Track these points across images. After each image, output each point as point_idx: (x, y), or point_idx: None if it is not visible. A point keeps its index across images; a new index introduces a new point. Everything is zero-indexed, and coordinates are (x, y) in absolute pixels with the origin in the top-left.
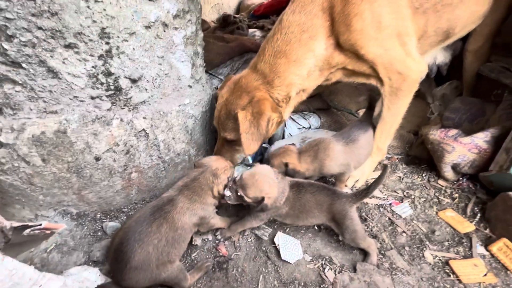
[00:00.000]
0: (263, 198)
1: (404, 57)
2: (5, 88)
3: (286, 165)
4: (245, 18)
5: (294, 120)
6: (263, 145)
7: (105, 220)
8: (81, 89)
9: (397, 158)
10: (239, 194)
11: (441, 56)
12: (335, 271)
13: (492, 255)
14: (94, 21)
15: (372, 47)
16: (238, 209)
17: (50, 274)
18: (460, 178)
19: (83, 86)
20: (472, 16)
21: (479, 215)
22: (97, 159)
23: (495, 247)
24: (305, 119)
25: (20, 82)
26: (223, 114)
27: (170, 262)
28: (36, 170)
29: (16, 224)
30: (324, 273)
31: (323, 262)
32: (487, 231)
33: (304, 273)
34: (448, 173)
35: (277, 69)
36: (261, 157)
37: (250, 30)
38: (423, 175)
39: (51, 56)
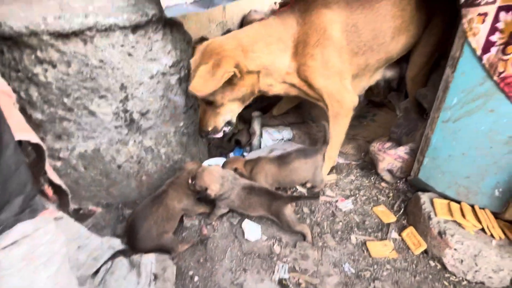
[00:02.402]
0: (206, 189)
1: (342, 89)
2: (63, 124)
3: (235, 169)
4: None
5: (269, 133)
6: (244, 154)
7: (124, 209)
8: (108, 122)
9: (353, 164)
10: (193, 182)
11: (388, 73)
12: (281, 246)
13: (402, 239)
14: (117, 80)
15: (319, 80)
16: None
17: (93, 234)
18: (398, 181)
19: (110, 120)
20: (405, 46)
21: (402, 210)
22: (119, 167)
23: (404, 233)
24: (279, 132)
25: (72, 120)
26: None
27: (165, 233)
28: (80, 175)
29: (75, 206)
30: (273, 248)
31: (274, 241)
32: (405, 222)
33: (260, 248)
34: (386, 176)
35: (256, 47)
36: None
37: None
38: (371, 178)
39: (91, 103)
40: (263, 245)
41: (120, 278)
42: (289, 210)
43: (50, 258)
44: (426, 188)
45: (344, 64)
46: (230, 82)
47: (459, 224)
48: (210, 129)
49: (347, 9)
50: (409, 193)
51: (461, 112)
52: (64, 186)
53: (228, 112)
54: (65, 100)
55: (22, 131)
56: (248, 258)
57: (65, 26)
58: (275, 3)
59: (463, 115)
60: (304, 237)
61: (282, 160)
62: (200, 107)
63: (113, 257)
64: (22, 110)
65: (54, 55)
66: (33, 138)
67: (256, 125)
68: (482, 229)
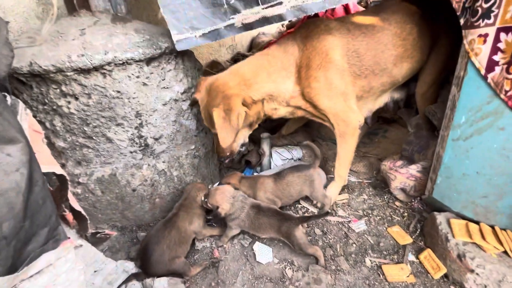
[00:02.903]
0: (217, 207)
1: (347, 109)
2: (83, 151)
3: (229, 183)
4: None
5: (279, 153)
6: (254, 174)
7: (138, 231)
8: (124, 148)
9: (365, 183)
10: (205, 200)
11: (397, 94)
12: (293, 270)
13: (420, 262)
14: (132, 109)
15: (324, 101)
16: (221, 225)
17: (109, 259)
18: (413, 200)
19: (126, 146)
20: (409, 71)
21: (419, 230)
22: (134, 190)
23: (422, 256)
24: (289, 151)
25: (91, 147)
26: (207, 116)
27: (178, 257)
28: (97, 199)
29: (92, 230)
30: (285, 271)
31: (286, 264)
32: (422, 243)
33: (271, 271)
34: (400, 195)
35: (258, 78)
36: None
37: None
38: (385, 197)
39: (108, 131)
40: (274, 268)
41: None
42: (300, 232)
43: (69, 286)
44: (442, 208)
45: (347, 85)
46: None
47: (479, 247)
48: (228, 155)
49: (349, 35)
50: (424, 212)
51: (471, 131)
52: (83, 212)
53: (241, 137)
54: (85, 128)
55: (48, 164)
56: (259, 282)
57: (87, 62)
58: (282, 25)
59: (473, 133)
60: (316, 260)
61: (278, 175)
62: (214, 136)
63: (126, 280)
64: (47, 139)
65: (76, 88)
66: (58, 170)
67: (265, 146)
68: (505, 252)
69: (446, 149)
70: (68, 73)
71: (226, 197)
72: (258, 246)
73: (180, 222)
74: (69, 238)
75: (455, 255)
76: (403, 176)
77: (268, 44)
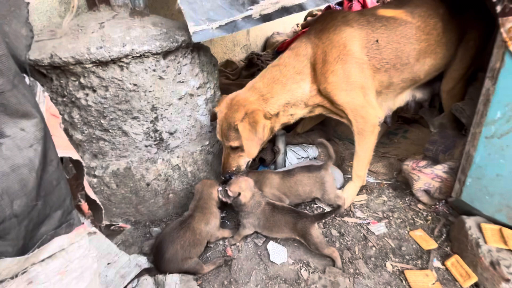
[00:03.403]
0: (239, 194)
1: (366, 104)
2: (99, 144)
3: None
4: (269, 56)
5: (294, 152)
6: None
7: (151, 226)
8: (139, 142)
9: (385, 184)
10: (226, 189)
11: (419, 94)
12: (309, 271)
13: (447, 269)
14: (148, 102)
15: (342, 96)
16: (235, 225)
17: (122, 251)
18: (437, 203)
19: (141, 140)
20: (433, 67)
21: (444, 235)
22: (148, 184)
23: (449, 262)
24: (304, 150)
25: (107, 139)
26: (225, 127)
27: (190, 258)
28: (112, 192)
29: (107, 222)
30: (301, 273)
31: (301, 265)
32: (448, 249)
33: (286, 272)
34: (423, 198)
35: (274, 91)
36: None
37: None
38: (406, 199)
39: (124, 124)
40: (289, 269)
41: None
42: (316, 231)
43: (82, 273)
44: (471, 211)
45: (367, 79)
46: None
47: None
48: (234, 169)
49: (368, 27)
50: (450, 216)
51: (508, 127)
52: (98, 201)
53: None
54: (102, 121)
55: (65, 148)
56: (273, 283)
57: (105, 54)
58: (297, 25)
59: (510, 130)
60: (333, 262)
61: (287, 172)
62: (224, 151)
63: (139, 275)
64: (65, 131)
65: (94, 81)
66: (74, 155)
67: (280, 144)
68: None
69: (478, 148)
70: (87, 65)
71: (250, 186)
72: (272, 246)
73: (196, 224)
74: (83, 223)
75: (488, 262)
76: (427, 176)
77: (282, 44)
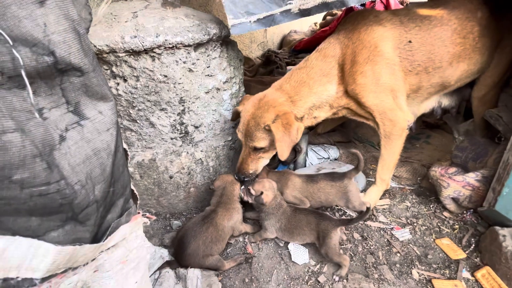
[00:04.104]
0: (262, 193)
1: (395, 107)
2: (126, 134)
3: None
4: (286, 54)
5: (315, 152)
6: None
7: (172, 219)
8: (166, 134)
9: (408, 189)
10: (248, 187)
11: (446, 101)
12: (332, 275)
13: (477, 281)
14: (177, 94)
15: (370, 98)
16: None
17: (149, 242)
18: (465, 212)
19: (167, 132)
20: (465, 73)
21: (473, 245)
22: (171, 177)
23: (479, 274)
24: (325, 150)
25: (134, 130)
26: (251, 126)
27: (211, 255)
28: (136, 183)
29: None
30: (323, 276)
31: (323, 265)
32: (477, 260)
33: (308, 273)
34: (450, 205)
35: (301, 94)
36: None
37: (288, 67)
38: (431, 206)
39: (152, 115)
40: (311, 270)
41: None
42: (337, 235)
43: (139, 264)
44: (504, 222)
45: (398, 81)
46: None
47: None
48: (251, 172)
49: (401, 27)
50: (479, 226)
51: None
52: (135, 191)
53: (271, 157)
54: (131, 111)
55: None
56: (296, 284)
57: (139, 44)
58: (315, 24)
59: None
60: (338, 267)
61: (310, 177)
62: (243, 151)
63: (161, 267)
64: None
65: (126, 70)
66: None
67: (302, 142)
68: None
69: None
70: (120, 54)
71: (273, 187)
72: (293, 246)
73: (219, 220)
74: (139, 212)
75: None
76: (458, 184)
77: (300, 42)
